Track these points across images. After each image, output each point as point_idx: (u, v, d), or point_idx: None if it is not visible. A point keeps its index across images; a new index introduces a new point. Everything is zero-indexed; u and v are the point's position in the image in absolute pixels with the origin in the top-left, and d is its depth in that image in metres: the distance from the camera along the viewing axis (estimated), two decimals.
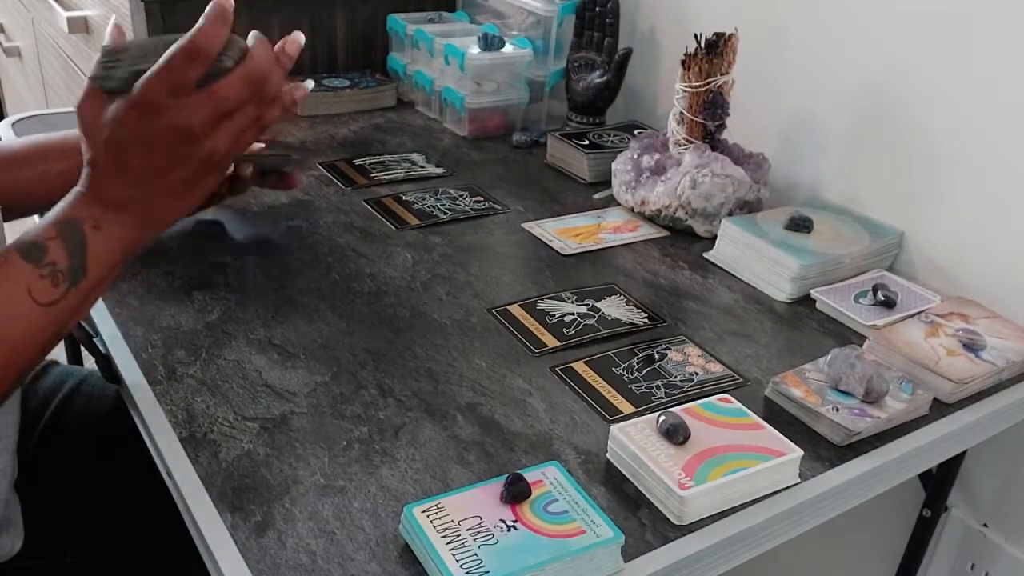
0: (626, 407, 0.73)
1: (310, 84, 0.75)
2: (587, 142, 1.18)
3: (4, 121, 1.17)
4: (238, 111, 0.66)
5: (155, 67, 0.63)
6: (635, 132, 1.23)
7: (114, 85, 0.66)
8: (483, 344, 0.80)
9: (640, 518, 0.61)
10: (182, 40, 0.62)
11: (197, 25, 0.62)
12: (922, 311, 0.86)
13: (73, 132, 0.82)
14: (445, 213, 1.03)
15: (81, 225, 0.63)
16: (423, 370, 0.75)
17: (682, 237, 1.03)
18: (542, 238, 1.00)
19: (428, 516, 0.57)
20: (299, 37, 0.71)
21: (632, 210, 1.06)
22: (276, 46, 0.69)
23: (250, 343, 0.77)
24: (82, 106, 0.66)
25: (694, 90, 1.01)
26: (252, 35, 0.66)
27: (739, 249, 0.95)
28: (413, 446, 0.66)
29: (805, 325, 0.87)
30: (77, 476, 0.85)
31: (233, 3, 0.63)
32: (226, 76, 0.64)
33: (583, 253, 0.97)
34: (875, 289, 0.89)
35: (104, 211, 0.65)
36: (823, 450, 0.69)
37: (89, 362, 0.82)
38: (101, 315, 0.78)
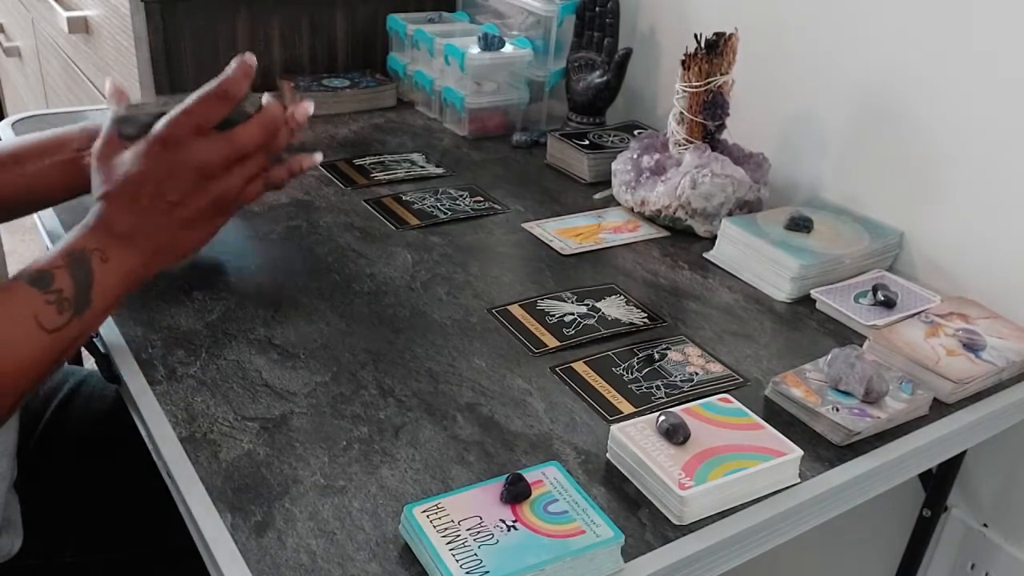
0: (626, 407, 0.73)
1: (319, 157, 0.80)
2: (587, 142, 1.18)
3: (4, 121, 1.17)
4: (251, 157, 0.71)
5: (182, 105, 0.68)
6: (635, 132, 1.23)
7: (132, 131, 0.71)
8: (483, 344, 0.80)
9: (640, 518, 0.61)
10: (210, 84, 0.68)
11: (224, 73, 0.68)
12: (922, 311, 0.86)
13: (70, 128, 0.83)
14: (445, 213, 1.03)
15: (89, 256, 0.65)
16: (423, 370, 0.75)
17: (682, 237, 1.03)
18: (542, 238, 1.00)
19: (428, 516, 0.57)
20: (308, 107, 0.77)
21: (632, 210, 1.06)
22: (288, 111, 0.75)
23: (250, 343, 0.77)
24: (101, 146, 0.71)
25: (694, 90, 1.01)
26: (266, 95, 0.73)
27: (739, 249, 0.95)
28: (413, 446, 0.66)
29: (805, 325, 0.87)
30: (77, 476, 0.85)
31: (254, 64, 0.70)
32: (246, 122, 0.70)
33: (583, 253, 0.97)
34: (875, 289, 0.89)
35: (112, 243, 0.67)
36: (823, 450, 0.69)
37: (89, 362, 0.82)
38: None
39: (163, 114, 0.69)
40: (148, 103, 0.75)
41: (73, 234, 0.67)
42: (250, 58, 0.69)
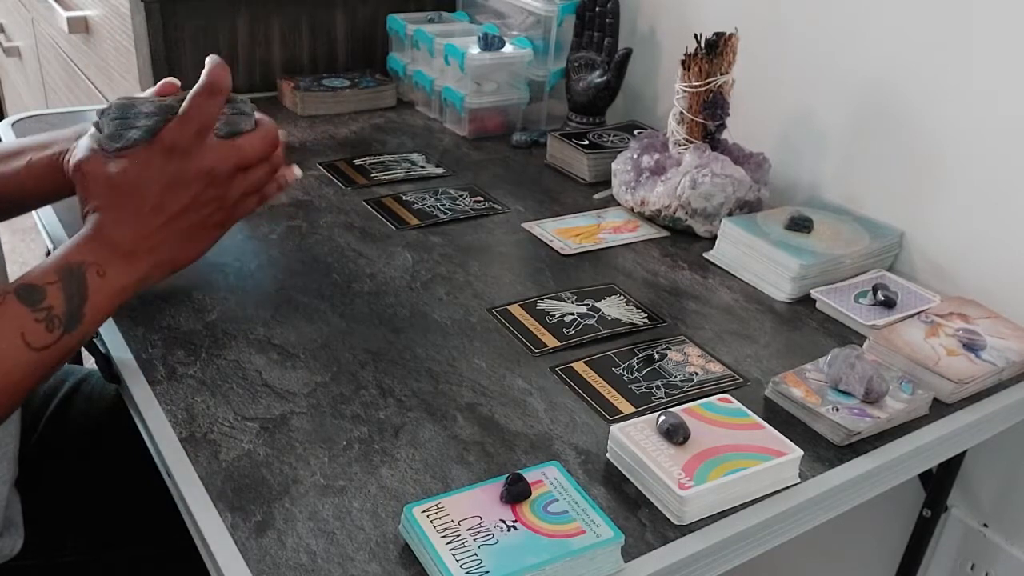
0: (626, 407, 0.73)
1: (298, 171, 0.80)
2: (587, 142, 1.18)
3: (4, 121, 1.17)
4: (253, 169, 0.71)
5: (179, 112, 0.67)
6: (635, 132, 1.23)
7: (119, 145, 0.68)
8: (483, 344, 0.80)
9: (640, 518, 0.61)
10: (198, 83, 0.68)
11: (207, 69, 0.68)
12: (922, 311, 0.86)
13: (65, 130, 0.82)
14: (445, 213, 1.03)
15: (84, 271, 0.64)
16: (423, 370, 0.75)
17: (682, 237, 1.03)
18: (542, 238, 1.00)
19: (428, 516, 0.57)
20: (297, 172, 0.78)
21: (632, 210, 1.06)
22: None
23: (250, 343, 0.77)
24: (86, 157, 0.68)
25: (694, 90, 1.01)
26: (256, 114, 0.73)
27: (739, 249, 0.95)
28: (413, 446, 0.66)
29: (805, 325, 0.87)
30: (77, 476, 0.85)
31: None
32: (250, 133, 0.71)
33: (583, 253, 0.97)
34: (875, 289, 0.89)
35: (111, 257, 0.65)
36: (823, 450, 0.69)
37: (89, 362, 0.82)
38: None
39: (150, 127, 0.67)
40: (132, 105, 0.71)
41: (70, 245, 0.65)
42: (218, 60, 0.70)
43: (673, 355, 0.80)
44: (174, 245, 0.69)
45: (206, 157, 0.68)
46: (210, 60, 0.69)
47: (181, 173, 0.67)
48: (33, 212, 0.96)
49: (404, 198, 1.06)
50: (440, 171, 1.15)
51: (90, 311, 0.63)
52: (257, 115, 0.74)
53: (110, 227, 0.66)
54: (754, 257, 0.94)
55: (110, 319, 0.78)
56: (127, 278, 0.66)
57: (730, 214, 1.01)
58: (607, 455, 0.67)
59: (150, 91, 0.75)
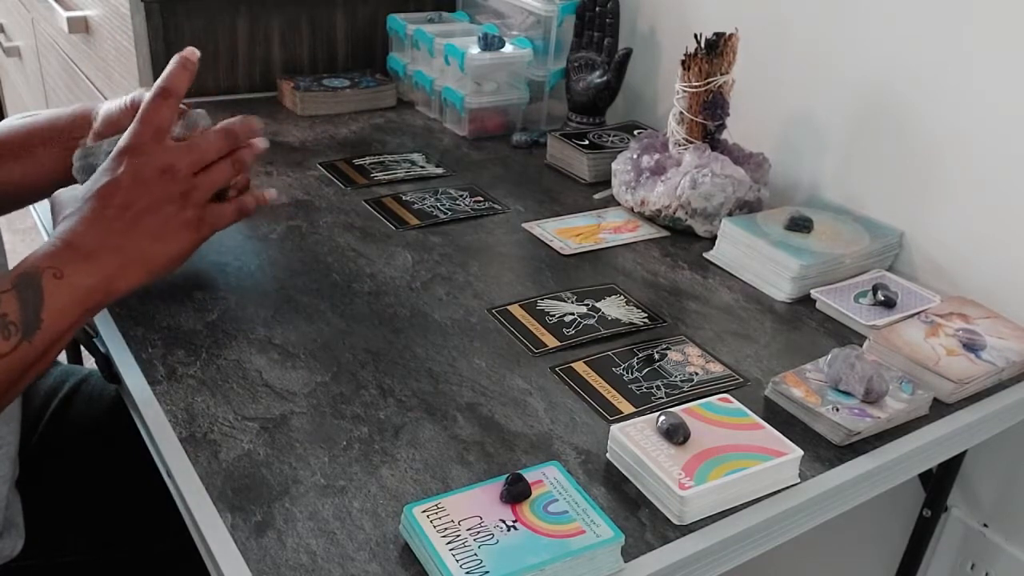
0: (626, 407, 0.73)
1: (274, 192, 0.83)
2: (587, 142, 1.18)
3: (4, 122, 1.17)
4: (215, 165, 0.73)
5: (136, 118, 0.71)
6: (635, 132, 1.23)
7: (95, 161, 0.75)
8: (483, 344, 0.80)
9: (640, 518, 0.61)
10: (152, 88, 0.71)
11: (164, 72, 0.71)
12: (922, 311, 0.86)
13: (60, 113, 0.83)
14: (445, 213, 1.03)
15: (40, 276, 0.63)
16: (423, 370, 0.75)
17: (682, 237, 1.03)
18: (542, 238, 1.00)
19: (428, 516, 0.57)
20: (272, 193, 0.82)
21: (632, 210, 1.06)
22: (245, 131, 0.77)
23: (250, 343, 0.77)
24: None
25: (694, 90, 1.01)
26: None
27: (739, 249, 0.95)
28: (413, 446, 0.66)
29: (805, 325, 0.87)
30: (77, 476, 0.85)
31: (197, 57, 0.73)
32: (205, 130, 0.74)
33: (583, 253, 0.97)
34: (875, 289, 0.89)
35: (70, 259, 0.65)
36: (823, 450, 0.69)
37: (89, 362, 0.82)
38: (101, 315, 0.78)
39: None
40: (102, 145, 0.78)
41: (31, 255, 0.65)
42: (190, 53, 0.72)
43: (673, 355, 0.80)
44: (142, 243, 0.68)
45: (163, 155, 0.70)
46: (174, 60, 0.72)
47: (140, 172, 0.69)
48: (32, 212, 0.96)
49: (404, 198, 1.06)
50: (440, 171, 1.15)
51: (48, 317, 0.62)
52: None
53: (70, 231, 0.67)
54: (754, 257, 0.94)
55: (109, 319, 0.78)
56: (89, 278, 0.65)
57: (730, 214, 1.01)
58: (607, 455, 0.67)
59: (116, 104, 0.80)
